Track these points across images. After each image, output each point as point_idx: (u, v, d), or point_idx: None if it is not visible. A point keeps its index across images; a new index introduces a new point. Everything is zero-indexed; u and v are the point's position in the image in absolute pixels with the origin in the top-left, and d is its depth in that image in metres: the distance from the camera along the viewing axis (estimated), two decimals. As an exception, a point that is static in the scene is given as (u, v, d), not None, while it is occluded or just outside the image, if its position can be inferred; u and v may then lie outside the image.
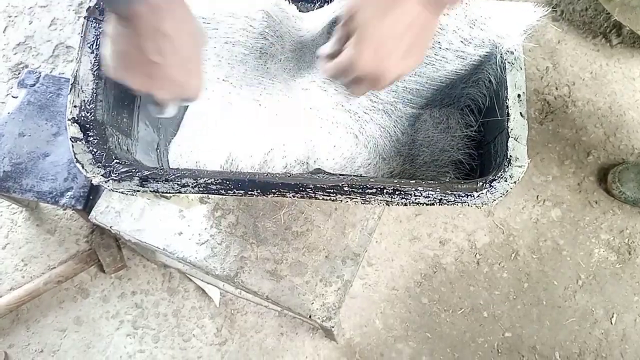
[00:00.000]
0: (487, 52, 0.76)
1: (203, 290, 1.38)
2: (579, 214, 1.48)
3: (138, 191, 0.64)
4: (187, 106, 0.87)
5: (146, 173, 0.63)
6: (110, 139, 0.67)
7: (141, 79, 0.61)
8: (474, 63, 0.79)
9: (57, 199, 1.11)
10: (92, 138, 0.64)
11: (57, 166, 1.12)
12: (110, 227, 0.96)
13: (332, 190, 0.64)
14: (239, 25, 0.76)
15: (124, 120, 0.72)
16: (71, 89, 0.65)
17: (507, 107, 0.69)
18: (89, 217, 0.97)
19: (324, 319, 0.92)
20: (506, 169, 0.66)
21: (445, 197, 0.64)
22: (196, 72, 0.64)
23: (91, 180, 0.63)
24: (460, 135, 0.85)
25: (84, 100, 0.65)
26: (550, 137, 1.55)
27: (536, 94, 1.60)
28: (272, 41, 0.79)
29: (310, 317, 0.92)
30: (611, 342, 1.38)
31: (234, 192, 0.64)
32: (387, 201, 0.64)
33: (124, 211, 0.96)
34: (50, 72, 1.54)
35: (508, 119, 0.68)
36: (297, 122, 0.88)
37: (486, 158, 0.77)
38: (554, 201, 1.49)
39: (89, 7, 0.68)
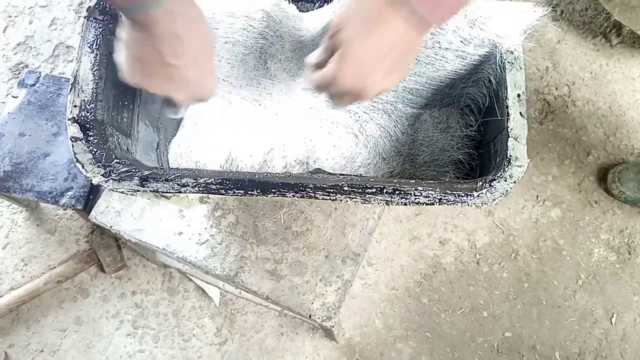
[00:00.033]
0: (487, 52, 0.76)
1: (203, 290, 1.38)
2: (579, 214, 1.48)
3: (138, 191, 0.64)
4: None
5: (146, 173, 0.63)
6: (110, 138, 0.67)
7: (159, 82, 0.62)
8: (474, 63, 0.79)
9: (57, 199, 1.11)
10: (92, 138, 0.64)
11: (57, 166, 1.12)
12: (110, 227, 0.96)
13: (332, 190, 0.64)
14: (239, 25, 0.76)
15: (124, 120, 0.72)
16: (71, 89, 0.65)
17: (507, 106, 0.69)
18: (89, 217, 0.97)
19: (324, 318, 0.92)
20: (506, 169, 0.66)
21: (445, 196, 0.64)
22: (210, 71, 0.65)
23: (91, 180, 0.63)
24: (460, 135, 0.85)
25: (84, 100, 0.65)
26: (550, 137, 1.55)
27: (536, 94, 1.60)
28: (272, 41, 0.79)
29: (310, 316, 0.92)
30: (611, 342, 1.38)
31: (234, 192, 0.64)
32: (387, 201, 0.64)
33: (124, 211, 0.96)
34: (51, 72, 1.54)
35: (508, 118, 0.68)
36: (297, 122, 0.88)
37: (486, 158, 0.77)
38: (554, 201, 1.49)
39: (89, 7, 0.68)
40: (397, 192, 0.64)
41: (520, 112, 0.69)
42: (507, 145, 0.67)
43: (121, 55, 0.62)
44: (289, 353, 1.36)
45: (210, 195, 0.81)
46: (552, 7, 1.69)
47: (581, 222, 1.48)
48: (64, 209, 1.43)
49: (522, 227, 1.47)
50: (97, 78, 0.66)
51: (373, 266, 1.43)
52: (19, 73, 1.53)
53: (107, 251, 1.35)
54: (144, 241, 0.95)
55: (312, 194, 0.64)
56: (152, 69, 0.60)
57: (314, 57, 0.65)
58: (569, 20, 1.68)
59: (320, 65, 0.64)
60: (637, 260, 1.45)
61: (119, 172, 0.63)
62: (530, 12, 0.71)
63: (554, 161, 1.53)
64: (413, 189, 0.64)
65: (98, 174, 0.63)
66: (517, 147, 0.67)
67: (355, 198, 0.65)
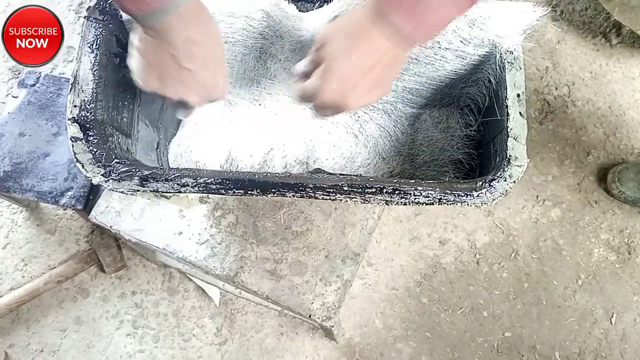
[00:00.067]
0: (487, 52, 0.76)
1: (203, 290, 1.38)
2: (579, 214, 1.48)
3: (138, 191, 0.64)
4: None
5: (146, 173, 0.63)
6: (110, 138, 0.67)
7: (175, 86, 0.63)
8: (474, 63, 0.79)
9: (57, 199, 1.11)
10: (92, 138, 0.64)
11: (57, 166, 1.12)
12: (110, 226, 0.96)
13: (331, 190, 0.64)
14: (239, 25, 0.76)
15: (124, 120, 0.72)
16: (71, 89, 0.65)
17: (507, 106, 0.69)
18: (89, 217, 0.97)
19: (324, 318, 0.92)
20: (505, 169, 0.66)
21: (444, 196, 0.64)
22: (222, 72, 0.66)
23: (91, 180, 0.63)
24: (460, 134, 0.85)
25: (84, 100, 0.65)
26: (550, 137, 1.55)
27: (536, 94, 1.60)
28: (272, 41, 0.79)
29: (310, 316, 0.93)
30: (611, 342, 1.38)
31: (234, 192, 0.64)
32: (387, 200, 0.64)
33: (124, 211, 0.96)
34: (51, 72, 1.54)
35: (507, 118, 0.68)
36: (297, 122, 0.88)
37: (486, 158, 0.77)
38: (554, 201, 1.49)
39: (89, 7, 0.68)
40: (396, 192, 0.64)
41: (520, 112, 0.69)
42: (506, 145, 0.67)
43: (134, 62, 0.63)
44: (289, 353, 1.36)
45: (210, 195, 0.81)
46: (552, 7, 1.69)
47: (581, 222, 1.48)
48: (64, 209, 1.43)
49: (522, 227, 1.47)
50: (97, 78, 0.66)
51: (373, 266, 1.43)
52: (19, 73, 1.53)
53: (107, 251, 1.35)
54: (144, 241, 0.95)
55: (312, 194, 0.64)
56: (167, 73, 0.62)
57: (301, 66, 0.66)
58: (568, 20, 1.68)
59: (306, 75, 0.64)
60: (637, 260, 1.45)
61: (119, 172, 0.63)
62: (530, 12, 0.71)
63: (554, 161, 1.53)
64: (413, 188, 0.64)
65: (98, 173, 0.63)
66: (517, 147, 0.67)
67: (355, 198, 0.65)
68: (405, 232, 1.46)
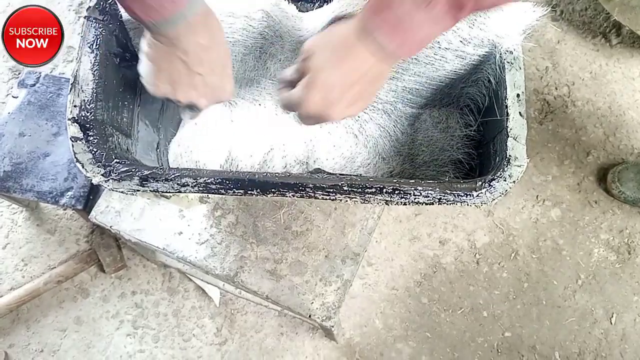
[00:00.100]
0: (487, 52, 0.76)
1: (203, 290, 1.38)
2: (579, 214, 1.48)
3: (138, 191, 0.64)
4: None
5: (146, 172, 0.63)
6: (110, 138, 0.67)
7: (185, 91, 0.65)
8: (473, 63, 0.79)
9: (57, 199, 1.11)
10: (92, 138, 0.64)
11: (57, 166, 1.12)
12: (110, 226, 0.96)
13: (331, 190, 0.64)
14: (239, 25, 0.76)
15: (124, 120, 0.72)
16: (71, 89, 0.65)
17: (507, 106, 0.69)
18: (89, 217, 0.97)
19: (324, 318, 0.92)
20: (505, 169, 0.66)
21: (444, 196, 0.64)
22: (229, 75, 0.68)
23: (91, 180, 0.63)
24: (460, 134, 0.85)
25: (84, 100, 0.65)
26: (549, 137, 1.56)
27: (536, 94, 1.60)
28: (272, 41, 0.79)
29: (310, 316, 0.93)
30: (611, 342, 1.38)
31: (234, 192, 0.64)
32: (387, 200, 0.64)
33: (124, 211, 0.96)
34: (51, 72, 1.54)
35: (507, 118, 0.68)
36: (297, 122, 0.88)
37: (485, 157, 0.77)
38: (554, 201, 1.49)
39: (89, 7, 0.68)
40: (396, 192, 0.64)
41: (520, 112, 0.69)
42: (506, 145, 0.67)
43: (145, 68, 0.64)
44: (288, 353, 1.36)
45: (210, 195, 0.81)
46: (552, 7, 1.69)
47: (581, 222, 1.48)
48: (64, 209, 1.44)
49: (521, 227, 1.47)
50: (97, 78, 0.66)
51: (373, 266, 1.43)
52: (19, 73, 1.53)
53: (107, 251, 1.35)
54: (144, 241, 0.95)
55: (312, 194, 0.64)
56: (178, 78, 0.63)
57: (286, 74, 0.66)
58: (568, 20, 1.68)
59: (291, 83, 0.65)
60: (637, 260, 1.45)
61: (119, 172, 0.63)
62: (530, 12, 0.71)
63: (554, 161, 1.53)
64: (412, 188, 0.64)
65: (98, 173, 0.63)
66: (517, 146, 0.67)
67: (355, 198, 0.65)
68: (405, 232, 1.46)
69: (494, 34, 0.72)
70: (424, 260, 1.44)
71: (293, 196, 0.64)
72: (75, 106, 0.64)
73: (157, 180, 0.63)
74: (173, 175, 0.63)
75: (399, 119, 0.90)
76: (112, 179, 0.63)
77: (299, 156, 0.88)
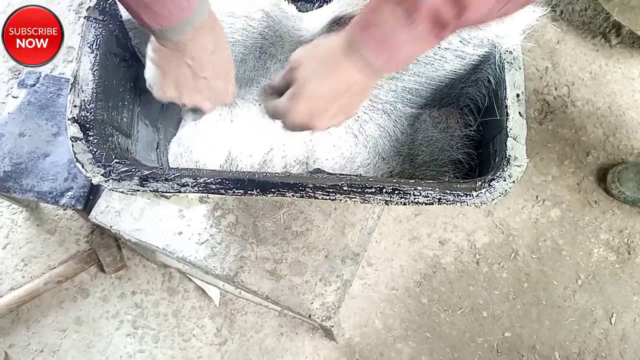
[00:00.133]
0: (486, 52, 0.76)
1: (203, 290, 1.38)
2: (579, 214, 1.48)
3: (138, 191, 0.64)
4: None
5: (146, 172, 0.63)
6: (110, 138, 0.67)
7: (190, 94, 0.66)
8: (473, 63, 0.79)
9: (57, 199, 1.11)
10: (92, 138, 0.64)
11: (57, 166, 1.12)
12: (110, 226, 0.96)
13: (331, 190, 0.64)
14: (239, 25, 0.76)
15: (124, 120, 0.72)
16: (71, 89, 0.65)
17: (506, 106, 0.69)
18: (89, 217, 0.97)
19: (324, 318, 0.92)
20: (505, 169, 0.66)
21: (444, 196, 0.64)
22: (232, 80, 0.70)
23: (91, 180, 0.63)
24: (460, 134, 0.85)
25: (84, 100, 0.65)
26: (549, 137, 1.56)
27: (535, 94, 1.60)
28: (272, 41, 0.80)
29: (309, 316, 0.93)
30: (611, 342, 1.38)
31: (234, 192, 0.64)
32: (387, 200, 0.65)
33: (124, 211, 0.96)
34: (51, 72, 1.54)
35: (507, 118, 0.69)
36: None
37: (485, 157, 0.77)
38: (554, 201, 1.50)
39: (89, 7, 0.68)
40: (396, 192, 0.64)
41: (519, 112, 0.69)
42: (506, 145, 0.67)
43: (151, 73, 0.65)
44: (288, 353, 1.36)
45: (210, 195, 0.81)
46: (552, 7, 1.69)
47: (581, 222, 1.48)
48: (64, 209, 1.44)
49: (521, 227, 1.47)
50: (97, 78, 0.66)
51: (373, 266, 1.43)
52: (19, 73, 1.53)
53: (107, 251, 1.35)
54: (144, 241, 0.95)
55: (312, 194, 0.64)
56: (184, 82, 0.64)
57: (275, 81, 0.67)
58: (568, 21, 1.68)
59: (277, 91, 0.66)
60: (637, 260, 1.45)
61: (118, 172, 0.63)
62: (530, 12, 0.71)
63: (554, 161, 1.53)
64: (412, 188, 0.64)
65: (98, 173, 0.63)
66: (516, 146, 0.67)
67: (355, 198, 0.65)
68: (405, 232, 1.46)
69: (494, 34, 0.72)
70: (424, 260, 1.44)
71: (293, 196, 0.64)
72: (75, 106, 0.64)
73: (157, 180, 0.63)
74: (173, 175, 0.63)
75: (398, 119, 0.90)
76: (112, 179, 0.63)
77: (298, 156, 0.88)
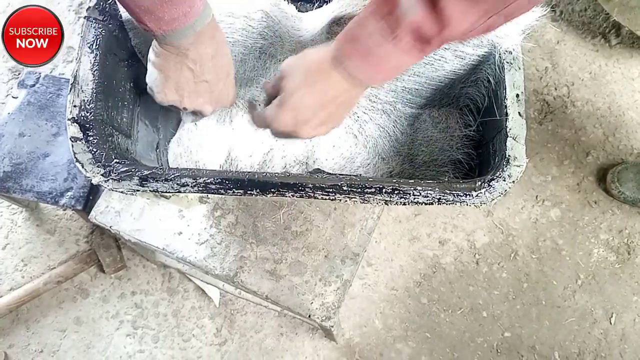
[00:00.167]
0: (486, 52, 0.76)
1: (203, 291, 1.38)
2: (578, 214, 1.48)
3: (138, 191, 0.64)
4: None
5: (146, 172, 0.63)
6: (110, 138, 0.67)
7: (192, 98, 0.67)
8: (473, 63, 0.79)
9: (57, 199, 1.11)
10: (91, 138, 0.64)
11: (57, 166, 1.12)
12: (110, 227, 0.96)
13: (331, 190, 0.64)
14: (238, 25, 0.76)
15: (124, 120, 0.72)
16: (71, 89, 0.65)
17: (506, 106, 0.69)
18: (89, 217, 0.97)
19: (323, 318, 0.92)
20: (505, 169, 0.66)
21: (444, 196, 0.64)
22: (232, 82, 0.71)
23: (91, 180, 0.63)
24: (459, 134, 0.85)
25: (84, 100, 0.65)
26: (549, 137, 1.56)
27: (535, 94, 1.60)
28: (271, 41, 0.80)
29: (309, 316, 0.93)
30: (610, 342, 1.38)
31: (234, 192, 0.64)
32: (386, 200, 0.65)
33: (124, 211, 0.96)
34: (50, 72, 1.54)
35: (506, 118, 0.69)
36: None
37: (485, 158, 0.77)
38: (553, 201, 1.50)
39: (89, 7, 0.68)
40: (396, 192, 0.64)
41: (519, 112, 0.69)
42: (505, 145, 0.67)
43: (152, 77, 0.66)
44: (288, 353, 1.36)
45: (209, 195, 0.81)
46: (551, 8, 1.69)
47: (580, 222, 1.48)
48: (64, 210, 1.44)
49: (521, 227, 1.47)
50: (97, 78, 0.66)
51: (372, 266, 1.43)
52: (19, 73, 1.53)
53: (106, 251, 1.35)
54: (144, 241, 0.95)
55: (312, 194, 0.64)
56: (185, 86, 0.66)
57: (267, 88, 0.69)
58: (568, 21, 1.68)
59: (268, 98, 0.68)
60: (637, 260, 1.45)
61: (118, 172, 0.63)
62: (529, 12, 0.71)
63: (554, 161, 1.54)
64: (412, 188, 0.64)
65: (98, 173, 0.63)
66: (516, 146, 0.67)
67: (355, 198, 0.65)
68: (405, 233, 1.46)
69: (494, 34, 0.72)
70: (424, 260, 1.44)
71: (293, 196, 0.64)
72: (75, 106, 0.64)
73: (156, 180, 0.63)
74: (173, 175, 0.63)
75: (398, 119, 0.90)
76: (111, 179, 0.63)
77: (298, 156, 0.88)
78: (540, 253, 1.45)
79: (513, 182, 0.65)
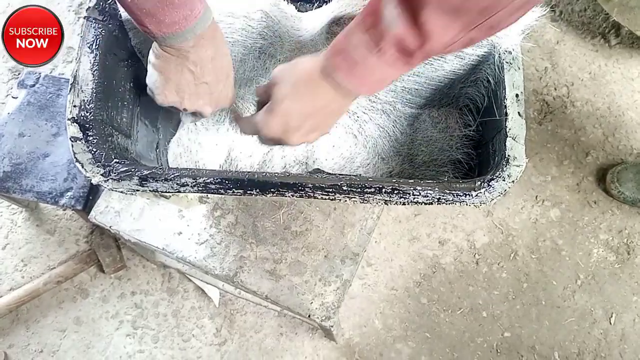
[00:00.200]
0: (486, 52, 0.76)
1: (202, 291, 1.38)
2: (578, 214, 1.49)
3: (137, 190, 0.64)
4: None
5: (145, 172, 0.63)
6: (110, 138, 0.67)
7: (192, 100, 0.68)
8: (472, 63, 0.79)
9: (56, 199, 1.11)
10: (91, 138, 0.64)
11: (56, 166, 1.12)
12: (110, 227, 0.96)
13: (331, 190, 0.64)
14: (238, 25, 0.76)
15: (124, 120, 0.72)
16: (71, 89, 0.65)
17: (505, 106, 0.69)
18: (89, 217, 0.97)
19: (323, 318, 0.92)
20: (504, 169, 0.66)
21: (443, 196, 0.64)
22: (231, 83, 0.72)
23: (91, 180, 0.63)
24: (459, 134, 0.85)
25: (84, 100, 0.65)
26: (549, 138, 1.56)
27: (535, 95, 1.60)
28: (271, 41, 0.80)
29: (309, 316, 0.93)
30: (610, 342, 1.38)
31: (233, 192, 0.64)
32: (386, 200, 0.65)
33: (124, 211, 0.96)
34: (50, 72, 1.54)
35: (506, 118, 0.69)
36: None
37: (484, 157, 0.77)
38: (553, 201, 1.50)
39: (89, 7, 0.68)
40: (395, 192, 0.64)
41: (519, 112, 0.69)
42: (505, 145, 0.67)
43: (153, 78, 0.66)
44: (288, 353, 1.36)
45: (209, 195, 0.81)
46: (551, 8, 1.69)
47: (580, 222, 1.48)
48: (64, 210, 1.44)
49: (521, 227, 1.47)
50: (96, 78, 0.66)
51: (372, 266, 1.43)
52: (19, 74, 1.53)
53: (106, 251, 1.35)
54: (144, 241, 0.95)
55: (311, 194, 0.64)
56: (186, 87, 0.66)
57: (258, 93, 0.69)
58: (567, 21, 1.68)
59: (258, 104, 0.69)
60: (636, 261, 1.45)
61: (118, 171, 0.63)
62: (529, 12, 0.71)
63: (553, 161, 1.54)
64: (412, 188, 0.64)
65: (97, 173, 0.63)
66: (516, 146, 0.67)
67: (354, 197, 0.65)
68: (405, 233, 1.46)
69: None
70: (424, 260, 1.44)
71: (292, 196, 0.65)
72: (74, 106, 0.64)
73: (156, 180, 0.63)
74: (172, 175, 0.64)
75: (398, 119, 0.90)
76: (111, 178, 0.63)
77: (298, 156, 0.88)
78: (540, 253, 1.45)
79: (513, 182, 0.65)
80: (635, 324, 1.40)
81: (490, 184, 0.65)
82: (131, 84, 0.75)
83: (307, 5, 0.76)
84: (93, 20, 0.68)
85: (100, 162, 0.63)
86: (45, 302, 1.37)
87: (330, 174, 0.68)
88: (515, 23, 0.52)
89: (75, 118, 0.64)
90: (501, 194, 0.65)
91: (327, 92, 0.60)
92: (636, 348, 1.37)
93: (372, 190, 0.64)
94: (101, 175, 0.63)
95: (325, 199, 0.65)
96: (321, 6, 0.75)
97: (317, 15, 0.74)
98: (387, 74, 0.57)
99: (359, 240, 0.96)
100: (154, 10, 0.55)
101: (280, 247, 0.95)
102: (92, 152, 0.63)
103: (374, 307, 1.40)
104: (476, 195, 0.65)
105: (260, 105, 0.68)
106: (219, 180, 0.64)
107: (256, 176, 0.64)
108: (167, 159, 0.83)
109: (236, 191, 0.64)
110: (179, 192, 0.64)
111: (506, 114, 0.69)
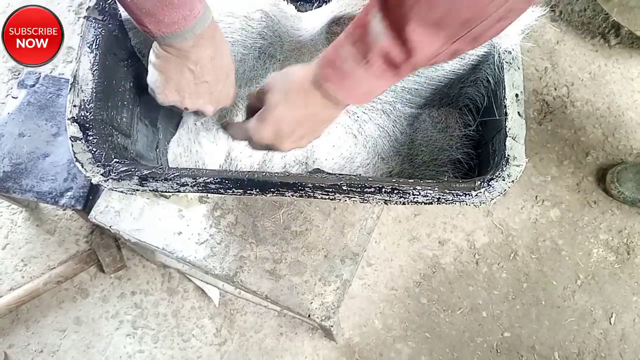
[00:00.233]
0: (485, 52, 0.76)
1: (202, 290, 1.38)
2: (578, 214, 1.49)
3: (137, 190, 0.64)
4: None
5: (145, 172, 0.63)
6: (110, 138, 0.67)
7: (193, 99, 0.68)
8: (472, 63, 0.79)
9: (56, 199, 1.11)
10: (91, 137, 0.64)
11: (56, 166, 1.12)
12: (110, 226, 0.96)
13: (330, 189, 0.64)
14: (238, 25, 0.76)
15: (124, 119, 0.73)
16: (71, 89, 0.65)
17: (505, 106, 0.69)
18: (89, 217, 0.97)
19: (323, 318, 0.92)
20: (504, 168, 0.66)
21: (443, 196, 0.64)
22: (232, 83, 0.72)
23: (91, 180, 0.63)
24: (459, 134, 0.85)
25: (84, 100, 0.65)
26: (549, 138, 1.56)
27: (535, 95, 1.60)
28: (271, 41, 0.80)
29: (309, 316, 0.93)
30: (610, 342, 1.38)
31: (233, 191, 0.64)
32: (386, 200, 0.65)
33: (124, 211, 0.96)
34: (50, 72, 1.54)
35: (506, 118, 0.69)
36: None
37: (484, 157, 0.78)
38: (553, 201, 1.50)
39: (89, 7, 0.68)
40: (395, 192, 0.64)
41: (518, 112, 0.69)
42: (505, 144, 0.67)
43: (153, 78, 0.67)
44: (288, 353, 1.36)
45: (209, 195, 0.81)
46: (551, 8, 1.69)
47: (580, 222, 1.48)
48: (64, 209, 1.44)
49: (521, 227, 1.47)
50: (96, 78, 0.66)
51: (372, 266, 1.43)
52: (19, 74, 1.53)
53: (106, 251, 1.35)
54: (144, 241, 0.95)
55: (311, 193, 0.65)
56: (186, 87, 0.66)
57: (251, 98, 0.70)
58: (567, 21, 1.68)
59: (250, 109, 0.70)
60: (636, 260, 1.45)
61: (118, 171, 0.63)
62: (529, 12, 0.71)
63: (553, 161, 1.54)
64: (411, 188, 0.64)
65: (97, 173, 0.63)
66: (515, 146, 0.67)
67: (354, 197, 0.65)
68: (405, 233, 1.46)
69: (493, 34, 0.72)
70: (423, 260, 1.44)
71: (292, 196, 0.65)
72: (74, 106, 0.65)
73: (156, 180, 0.64)
74: (172, 175, 0.64)
75: (398, 119, 0.90)
76: (111, 178, 0.63)
77: (298, 156, 0.88)
78: (539, 253, 1.45)
79: (512, 181, 0.65)
80: (635, 324, 1.40)
81: (490, 183, 0.65)
82: (131, 84, 0.75)
83: (307, 5, 0.76)
84: (93, 20, 0.68)
85: (100, 162, 0.63)
86: (45, 302, 1.38)
87: (330, 173, 0.68)
88: (501, 31, 0.53)
89: (75, 118, 0.64)
90: (501, 193, 0.65)
91: (318, 100, 0.61)
92: (636, 348, 1.37)
93: (372, 190, 0.64)
94: (101, 175, 0.63)
95: (325, 198, 0.65)
96: (321, 6, 0.75)
97: (317, 15, 0.74)
98: (376, 86, 0.58)
99: (358, 240, 0.96)
100: (153, 10, 0.56)
101: (280, 247, 0.95)
102: (92, 151, 0.63)
103: (374, 307, 1.40)
104: (476, 195, 0.65)
105: (249, 110, 0.69)
106: (219, 180, 0.64)
107: (256, 176, 0.64)
108: (167, 159, 0.83)
109: (236, 191, 0.64)
110: (179, 191, 0.64)
111: (506, 114, 0.69)
